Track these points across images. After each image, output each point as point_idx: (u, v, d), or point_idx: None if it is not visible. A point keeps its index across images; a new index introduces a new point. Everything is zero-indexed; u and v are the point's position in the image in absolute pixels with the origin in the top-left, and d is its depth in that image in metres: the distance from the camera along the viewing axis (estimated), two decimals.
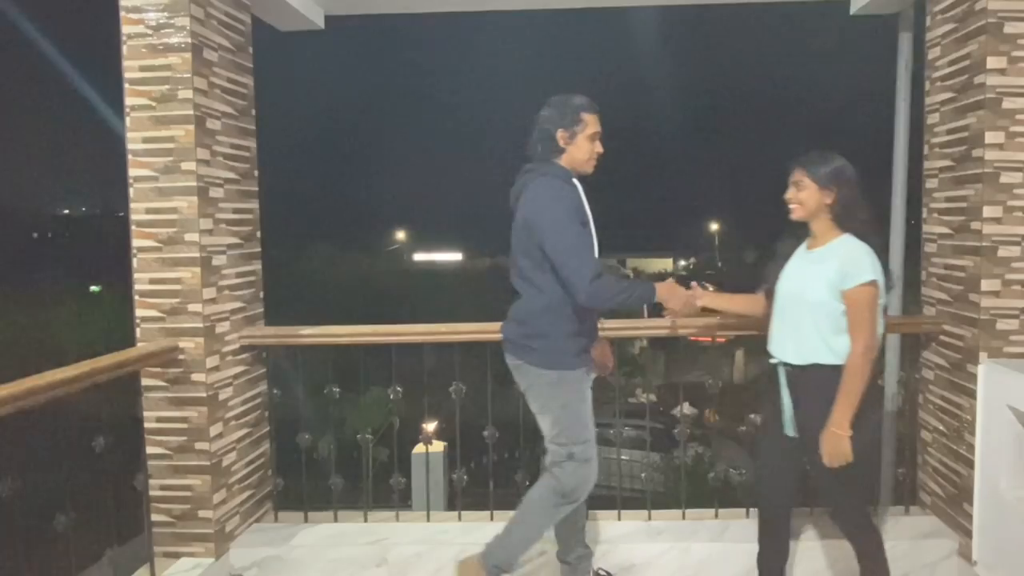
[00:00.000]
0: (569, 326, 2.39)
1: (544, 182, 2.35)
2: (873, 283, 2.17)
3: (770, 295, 2.45)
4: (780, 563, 2.58)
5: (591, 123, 2.40)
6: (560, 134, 2.38)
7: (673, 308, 2.47)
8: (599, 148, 2.44)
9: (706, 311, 2.63)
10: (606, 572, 2.82)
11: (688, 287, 2.54)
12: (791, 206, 2.33)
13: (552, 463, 2.43)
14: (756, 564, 2.61)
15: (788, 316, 2.34)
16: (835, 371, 2.21)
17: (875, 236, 2.28)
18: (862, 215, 2.27)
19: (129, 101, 2.69)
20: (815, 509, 3.14)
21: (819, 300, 2.23)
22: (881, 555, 2.40)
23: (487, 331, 3.00)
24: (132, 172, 2.72)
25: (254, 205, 3.17)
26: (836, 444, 2.18)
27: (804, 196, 2.29)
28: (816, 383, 2.26)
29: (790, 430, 2.38)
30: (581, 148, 2.40)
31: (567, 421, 2.41)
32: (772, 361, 2.40)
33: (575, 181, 2.44)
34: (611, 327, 3.06)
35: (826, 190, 2.25)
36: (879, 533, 2.43)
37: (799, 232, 2.41)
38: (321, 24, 3.68)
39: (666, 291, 2.44)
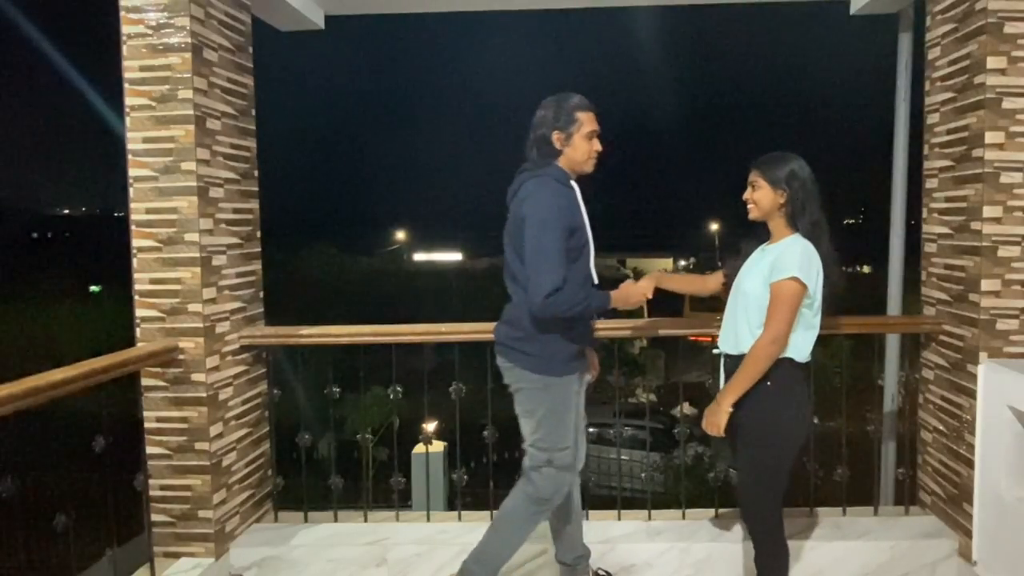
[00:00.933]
0: (560, 329, 2.36)
1: (539, 182, 2.33)
2: (795, 279, 2.19)
3: (727, 282, 2.52)
4: None
5: (587, 122, 2.36)
6: (556, 136, 2.35)
7: (631, 306, 2.48)
8: (597, 146, 2.41)
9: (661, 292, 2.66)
10: (605, 572, 2.82)
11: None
12: (748, 206, 2.39)
13: (530, 467, 2.41)
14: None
15: (730, 308, 2.42)
16: None
17: (825, 237, 2.30)
18: (813, 216, 2.29)
19: (129, 101, 2.69)
20: (815, 509, 3.15)
21: (752, 292, 2.30)
22: (782, 564, 2.42)
23: (487, 331, 2.99)
24: (132, 172, 2.72)
25: (254, 205, 3.17)
26: (713, 414, 2.27)
27: (758, 196, 2.34)
28: None
29: None
30: (578, 148, 2.37)
31: (550, 426, 2.39)
32: (715, 351, 2.48)
33: (573, 184, 2.41)
34: (611, 327, 3.07)
35: (779, 190, 2.30)
36: (786, 544, 2.43)
37: (762, 233, 2.45)
38: (321, 24, 3.68)
39: (621, 298, 2.43)
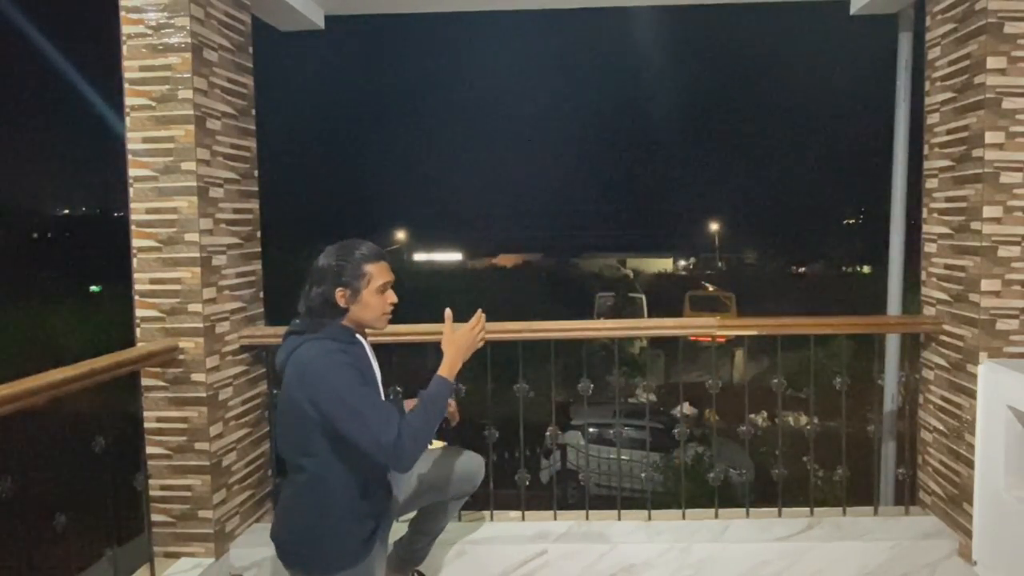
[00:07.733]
0: (347, 506, 2.02)
1: (313, 347, 1.96)
2: None
3: None
4: None
5: (377, 274, 2.04)
6: (339, 293, 2.01)
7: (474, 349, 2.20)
8: (392, 298, 2.09)
9: None
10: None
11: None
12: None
13: None
14: None
15: None
16: None
17: None
18: None
19: (129, 101, 2.69)
20: (815, 510, 3.15)
21: None
22: None
23: (486, 331, 3.00)
24: (132, 172, 2.72)
25: (254, 205, 3.17)
26: None
27: None
28: None
29: None
30: (368, 306, 2.04)
31: None
32: None
33: (359, 337, 2.10)
34: (611, 327, 3.07)
35: None
36: None
37: None
38: (321, 24, 3.68)
39: (457, 357, 2.14)
